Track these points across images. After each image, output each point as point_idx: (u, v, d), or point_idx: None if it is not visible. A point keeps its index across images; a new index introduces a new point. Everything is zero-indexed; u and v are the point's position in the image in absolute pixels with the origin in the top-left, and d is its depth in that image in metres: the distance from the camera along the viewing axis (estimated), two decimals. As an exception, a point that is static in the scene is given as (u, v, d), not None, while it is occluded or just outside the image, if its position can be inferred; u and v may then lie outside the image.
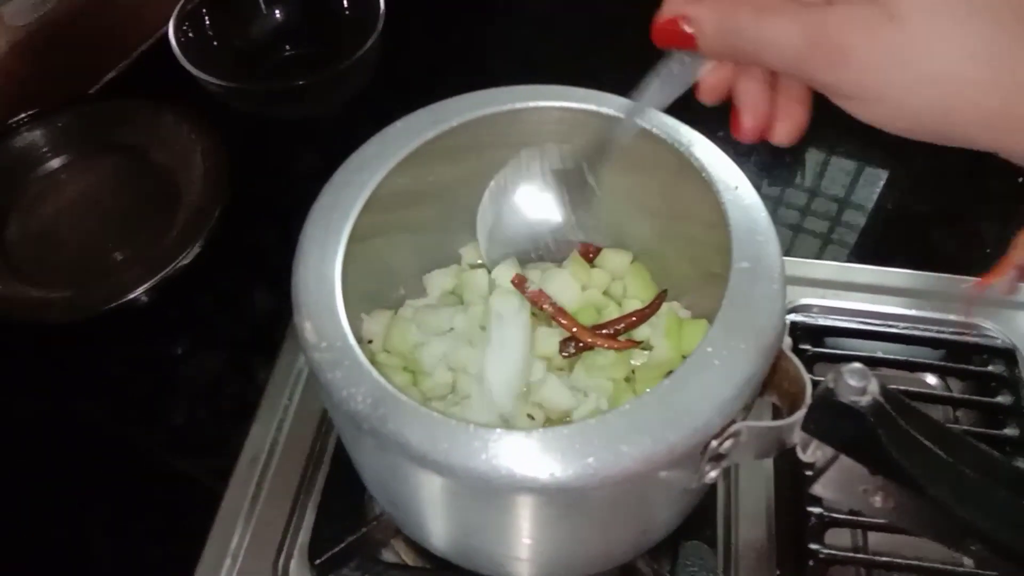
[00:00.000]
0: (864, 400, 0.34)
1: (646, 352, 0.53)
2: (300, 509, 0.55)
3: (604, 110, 0.47)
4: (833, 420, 0.35)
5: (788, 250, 0.73)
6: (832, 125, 0.87)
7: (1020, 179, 0.79)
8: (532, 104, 0.47)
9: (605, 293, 0.56)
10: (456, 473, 0.35)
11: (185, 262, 0.68)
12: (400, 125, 0.46)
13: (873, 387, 0.34)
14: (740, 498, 0.54)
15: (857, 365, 0.34)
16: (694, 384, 0.36)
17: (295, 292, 0.40)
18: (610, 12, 0.96)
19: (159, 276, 0.67)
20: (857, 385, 0.34)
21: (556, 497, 0.36)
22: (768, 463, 0.56)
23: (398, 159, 0.44)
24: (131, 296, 0.66)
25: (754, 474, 0.55)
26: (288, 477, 0.56)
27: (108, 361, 0.68)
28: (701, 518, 0.53)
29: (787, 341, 0.39)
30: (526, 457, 0.35)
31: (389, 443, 0.36)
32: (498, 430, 0.35)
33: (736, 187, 0.43)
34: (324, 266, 0.40)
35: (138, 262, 0.70)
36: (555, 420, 0.51)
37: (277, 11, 0.88)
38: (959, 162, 0.80)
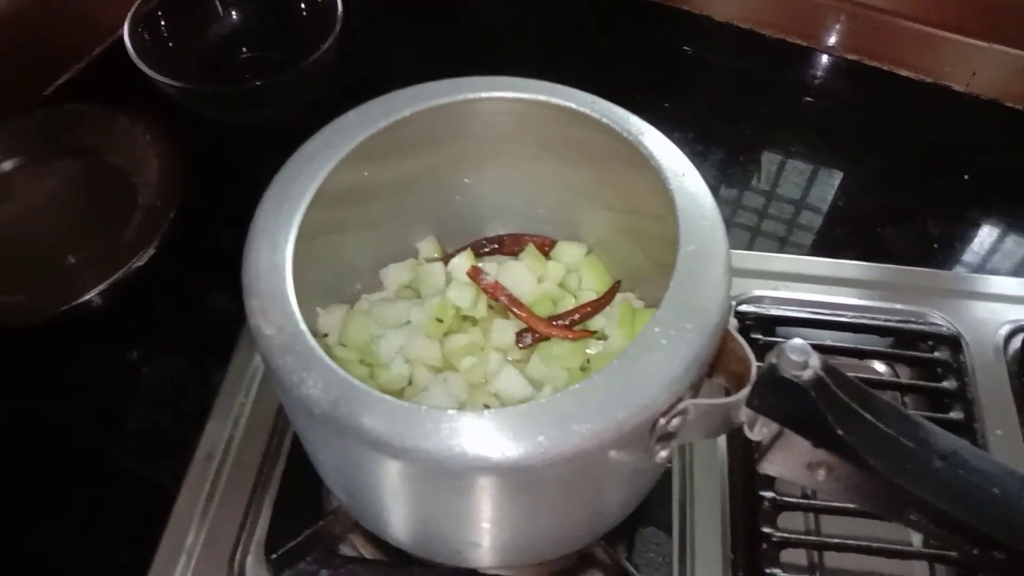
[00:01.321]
0: (806, 375, 0.35)
1: (601, 341, 0.53)
2: (256, 505, 0.54)
3: (557, 101, 0.47)
4: (776, 395, 0.36)
5: (744, 246, 0.75)
6: (786, 127, 0.90)
7: (966, 176, 0.82)
8: (485, 95, 0.47)
9: (561, 285, 0.57)
10: (409, 455, 0.35)
11: (139, 264, 0.68)
12: (352, 115, 0.46)
13: (814, 362, 0.35)
14: (695, 485, 0.55)
15: (798, 341, 0.35)
16: (642, 364, 0.37)
17: (246, 279, 0.40)
18: (572, 18, 0.97)
19: (112, 278, 0.66)
20: (798, 360, 0.35)
21: (509, 476, 0.36)
22: (722, 450, 0.57)
23: (350, 148, 0.44)
24: (84, 298, 0.66)
25: (708, 461, 0.56)
26: (244, 474, 0.55)
27: (63, 365, 0.67)
28: (656, 505, 0.54)
29: (733, 322, 0.40)
30: (478, 437, 0.35)
31: (342, 427, 0.36)
32: (450, 411, 0.36)
33: (683, 174, 0.44)
34: (275, 254, 0.40)
35: (92, 265, 0.69)
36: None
37: (234, 13, 0.87)
38: (908, 162, 0.83)
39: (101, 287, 0.66)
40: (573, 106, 0.47)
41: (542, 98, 0.47)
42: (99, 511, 0.59)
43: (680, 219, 0.42)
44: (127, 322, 0.69)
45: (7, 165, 0.77)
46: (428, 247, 0.58)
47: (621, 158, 0.48)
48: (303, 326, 0.38)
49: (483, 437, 0.35)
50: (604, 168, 0.51)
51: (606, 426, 0.35)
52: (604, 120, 0.46)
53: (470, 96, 0.47)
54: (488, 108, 0.48)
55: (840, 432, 0.35)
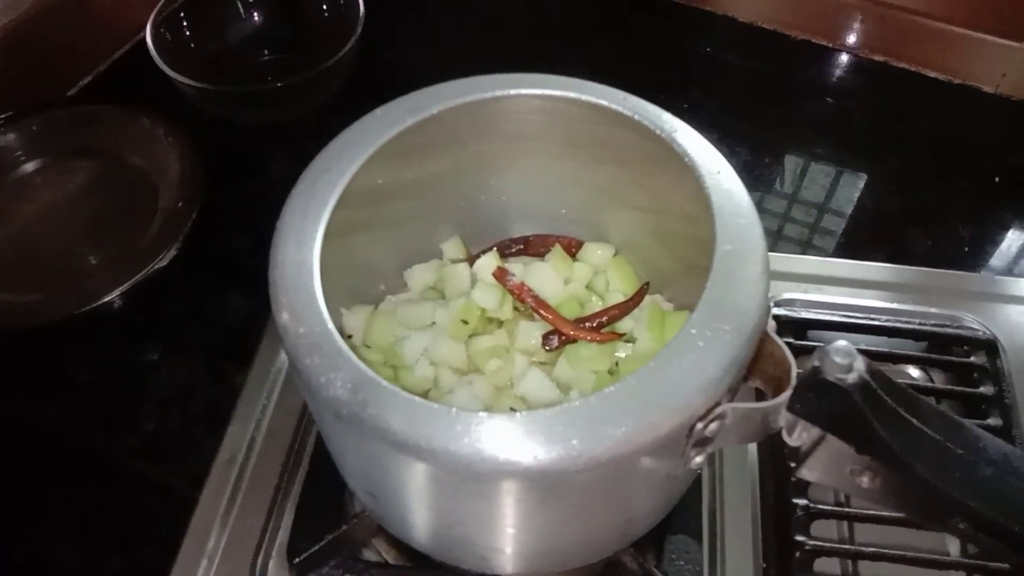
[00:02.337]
0: (850, 377, 0.34)
1: (629, 344, 0.52)
2: (278, 509, 0.54)
3: (587, 98, 0.46)
4: (819, 399, 0.35)
5: (771, 247, 0.73)
6: (812, 129, 0.88)
7: (996, 178, 0.80)
8: (515, 92, 0.46)
9: (588, 287, 0.56)
10: (438, 458, 0.34)
11: (161, 265, 0.67)
12: (379, 113, 0.45)
13: (859, 364, 0.34)
14: (725, 491, 0.54)
15: (843, 343, 0.34)
16: (678, 366, 0.36)
17: (272, 278, 0.39)
18: (590, 16, 0.97)
19: (134, 280, 0.66)
20: (843, 363, 0.34)
21: (540, 481, 0.35)
22: (752, 456, 0.55)
23: (377, 147, 0.44)
24: (105, 299, 0.65)
25: (739, 467, 0.55)
26: (266, 477, 0.55)
27: (81, 367, 0.67)
28: (686, 512, 0.52)
29: (771, 324, 0.39)
30: (509, 440, 0.34)
31: (369, 429, 0.35)
32: (481, 413, 0.35)
33: (719, 172, 0.43)
34: (302, 252, 0.39)
35: (113, 266, 0.69)
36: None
37: (256, 15, 0.87)
38: (936, 164, 0.82)
39: (123, 288, 0.66)
40: (604, 103, 0.46)
41: (572, 95, 0.46)
42: (118, 515, 0.59)
43: (716, 218, 0.41)
44: (145, 323, 0.69)
45: (29, 166, 0.77)
46: (452, 248, 0.57)
47: (652, 157, 0.47)
48: (331, 325, 0.37)
49: (515, 440, 0.34)
50: (633, 167, 0.50)
51: (641, 430, 0.34)
52: (636, 117, 0.45)
53: (499, 93, 0.46)
54: (517, 106, 0.48)
55: (886, 437, 0.34)
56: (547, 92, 0.47)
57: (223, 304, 0.71)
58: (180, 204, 0.72)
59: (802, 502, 0.52)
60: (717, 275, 0.39)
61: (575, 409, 0.35)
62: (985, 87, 0.86)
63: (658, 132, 0.45)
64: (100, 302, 0.65)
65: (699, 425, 0.36)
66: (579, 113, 0.47)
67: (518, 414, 0.35)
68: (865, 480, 0.36)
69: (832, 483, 0.38)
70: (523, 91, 0.46)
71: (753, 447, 0.56)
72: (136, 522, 0.58)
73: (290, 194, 0.42)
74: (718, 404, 0.36)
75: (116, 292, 0.65)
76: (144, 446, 0.62)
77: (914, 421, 0.34)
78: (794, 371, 0.37)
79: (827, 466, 0.37)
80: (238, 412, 0.58)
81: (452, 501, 0.39)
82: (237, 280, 0.71)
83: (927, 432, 0.34)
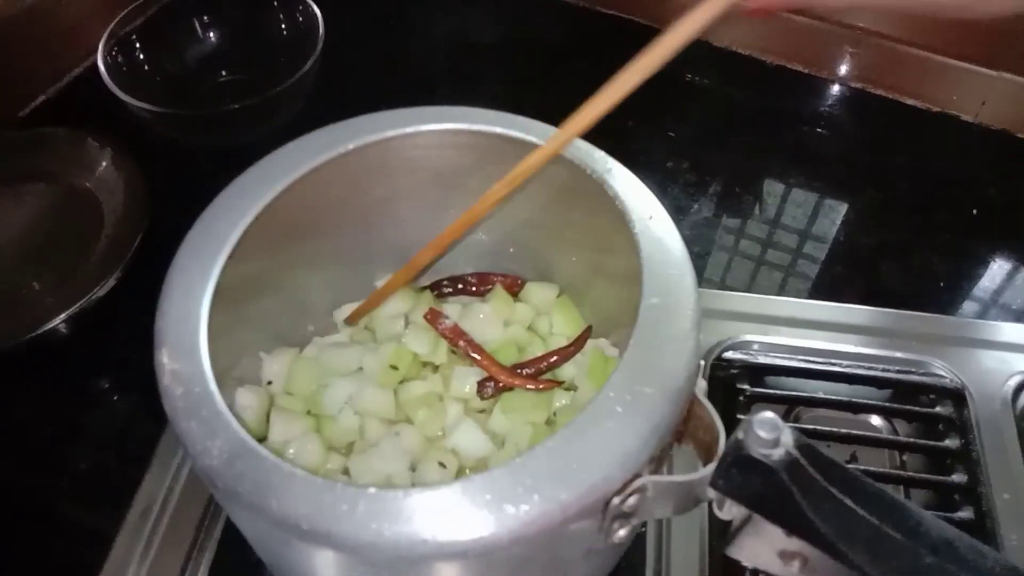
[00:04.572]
0: (776, 453, 0.31)
1: (569, 393, 0.49)
2: (193, 566, 0.50)
3: (513, 133, 0.44)
4: (744, 476, 0.32)
5: (741, 282, 0.70)
6: (787, 157, 0.84)
7: (974, 211, 0.77)
8: (437, 127, 0.43)
9: (530, 329, 0.53)
10: (319, 540, 0.31)
11: (101, 293, 0.64)
12: (291, 147, 0.42)
13: (786, 438, 0.31)
14: (672, 553, 0.50)
15: (768, 415, 0.31)
16: (593, 434, 0.33)
17: (156, 330, 0.36)
18: (561, 42, 0.94)
19: (73, 308, 0.63)
20: (768, 437, 0.31)
21: (436, 564, 0.32)
22: (703, 514, 0.52)
23: (285, 184, 0.41)
24: (46, 327, 0.62)
25: (686, 527, 0.51)
26: (182, 531, 0.51)
27: (19, 401, 0.64)
28: (628, 574, 0.49)
29: (701, 385, 0.36)
30: (399, 521, 0.31)
31: (246, 504, 0.31)
32: (370, 490, 0.31)
33: (650, 217, 0.40)
34: (189, 301, 0.36)
35: (55, 293, 0.66)
36: (470, 469, 0.47)
37: (213, 35, 0.85)
38: (913, 195, 0.79)
39: (62, 317, 0.62)
40: (533, 140, 0.43)
41: (498, 130, 0.43)
42: (42, 559, 0.55)
43: (644, 267, 0.38)
44: (88, 355, 0.65)
45: (-32, 189, 0.75)
46: (388, 286, 0.54)
47: (588, 195, 0.44)
48: (213, 386, 0.34)
49: (405, 521, 0.31)
50: (575, 206, 0.47)
51: (548, 509, 0.31)
52: (566, 156, 0.42)
53: (423, 128, 0.43)
54: (438, 140, 0.45)
55: (816, 520, 0.30)
56: (471, 127, 0.44)
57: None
58: (125, 229, 0.69)
59: (751, 566, 0.49)
60: (642, 331, 0.36)
61: (474, 484, 0.31)
62: (964, 116, 0.83)
63: (589, 172, 0.42)
64: (41, 330, 0.62)
65: (616, 500, 0.33)
66: (509, 149, 0.44)
67: (411, 491, 0.31)
68: (796, 565, 0.32)
69: (762, 566, 0.34)
70: (445, 126, 0.43)
71: (703, 505, 0.52)
72: (54, 568, 0.54)
73: (186, 236, 0.39)
74: (637, 476, 0.33)
75: (56, 321, 0.62)
76: (75, 486, 0.58)
77: (848, 502, 0.31)
78: (722, 440, 0.34)
79: (756, 548, 0.34)
80: (156, 460, 0.55)
81: (348, 579, 0.36)
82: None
83: (862, 514, 0.31)
